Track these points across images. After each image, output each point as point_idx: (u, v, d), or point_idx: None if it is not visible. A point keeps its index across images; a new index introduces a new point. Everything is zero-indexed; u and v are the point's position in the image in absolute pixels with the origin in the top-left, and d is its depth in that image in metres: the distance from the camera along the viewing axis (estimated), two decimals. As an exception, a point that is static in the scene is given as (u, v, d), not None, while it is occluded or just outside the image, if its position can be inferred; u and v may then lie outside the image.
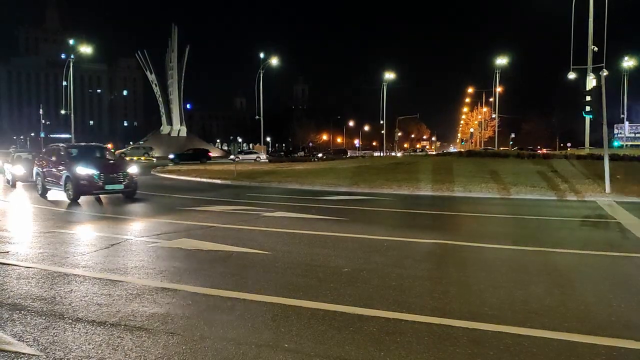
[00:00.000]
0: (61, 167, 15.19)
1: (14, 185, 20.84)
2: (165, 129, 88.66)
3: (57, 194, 15.84)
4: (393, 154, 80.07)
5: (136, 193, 15.81)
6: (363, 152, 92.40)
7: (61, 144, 17.51)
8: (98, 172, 14.53)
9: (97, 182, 14.40)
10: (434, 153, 59.58)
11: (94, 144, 20.66)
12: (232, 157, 53.09)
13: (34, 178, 17.25)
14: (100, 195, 15.77)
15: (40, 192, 16.43)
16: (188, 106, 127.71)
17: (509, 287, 5.56)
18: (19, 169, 20.76)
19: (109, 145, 63.24)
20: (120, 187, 14.95)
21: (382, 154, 72.54)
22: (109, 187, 14.63)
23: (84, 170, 14.48)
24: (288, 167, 32.86)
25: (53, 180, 15.72)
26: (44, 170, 16.39)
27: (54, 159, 16.13)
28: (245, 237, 9.08)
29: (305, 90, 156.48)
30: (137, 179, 15.88)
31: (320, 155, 67.75)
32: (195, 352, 3.78)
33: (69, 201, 14.51)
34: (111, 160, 16.99)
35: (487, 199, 15.72)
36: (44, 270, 6.37)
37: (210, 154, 58.56)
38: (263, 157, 58.51)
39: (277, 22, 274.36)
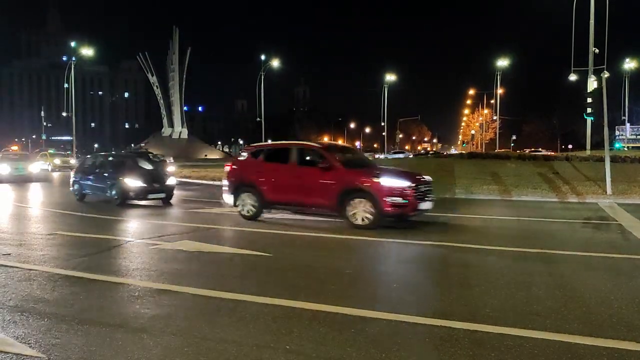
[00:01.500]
0: (332, 177, 10.23)
1: (121, 204, 14.13)
2: (166, 131, 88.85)
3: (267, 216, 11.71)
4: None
5: None
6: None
7: (303, 142, 12.65)
8: (413, 184, 9.92)
9: (413, 199, 9.80)
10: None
11: (342, 144, 13.84)
12: None
13: (230, 193, 11.62)
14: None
15: (249, 213, 11.29)
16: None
17: (510, 289, 5.56)
18: (134, 181, 14.21)
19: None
20: (431, 205, 10.48)
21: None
22: (423, 205, 10.08)
23: (393, 181, 9.89)
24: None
25: (291, 199, 10.89)
26: (267, 180, 11.18)
27: (296, 166, 10.91)
28: (247, 238, 9.09)
29: (307, 92, 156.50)
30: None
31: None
32: (197, 353, 3.78)
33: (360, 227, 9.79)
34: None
35: (488, 200, 15.72)
36: (46, 272, 6.38)
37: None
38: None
39: (278, 23, 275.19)
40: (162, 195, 14.67)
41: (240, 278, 6.14)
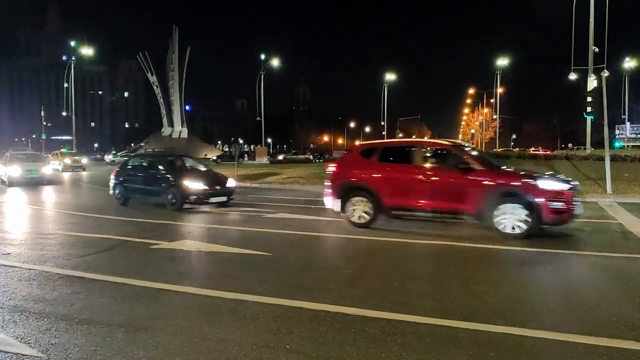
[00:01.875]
0: (474, 179, 9.05)
1: (179, 209, 12.82)
2: (166, 130, 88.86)
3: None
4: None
5: None
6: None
7: (429, 140, 11.60)
8: (571, 187, 8.88)
9: (572, 204, 8.67)
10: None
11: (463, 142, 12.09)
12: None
13: (336, 198, 10.38)
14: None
15: (362, 220, 9.96)
16: (187, 107, 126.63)
17: (510, 288, 5.56)
18: (195, 184, 12.99)
19: None
20: (582, 210, 9.31)
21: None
22: (577, 211, 8.92)
23: (551, 183, 8.79)
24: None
25: (420, 205, 9.54)
26: (386, 182, 9.92)
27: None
28: (247, 238, 9.09)
29: (307, 92, 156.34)
30: None
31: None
32: (197, 353, 3.78)
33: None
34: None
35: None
36: (45, 272, 6.38)
37: None
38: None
39: (278, 23, 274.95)
40: (224, 198, 13.46)
41: (240, 277, 6.11)
